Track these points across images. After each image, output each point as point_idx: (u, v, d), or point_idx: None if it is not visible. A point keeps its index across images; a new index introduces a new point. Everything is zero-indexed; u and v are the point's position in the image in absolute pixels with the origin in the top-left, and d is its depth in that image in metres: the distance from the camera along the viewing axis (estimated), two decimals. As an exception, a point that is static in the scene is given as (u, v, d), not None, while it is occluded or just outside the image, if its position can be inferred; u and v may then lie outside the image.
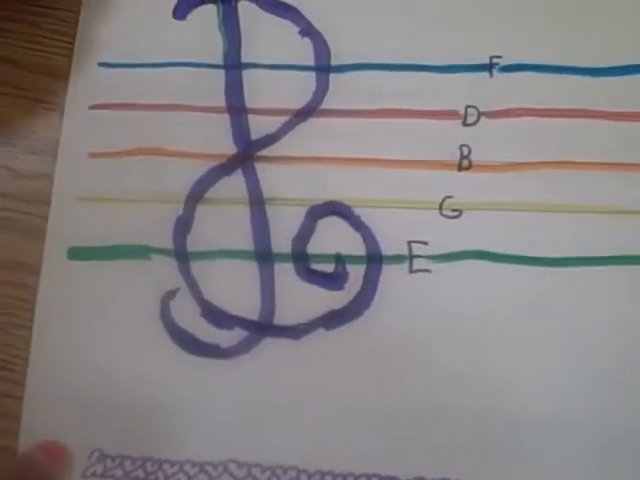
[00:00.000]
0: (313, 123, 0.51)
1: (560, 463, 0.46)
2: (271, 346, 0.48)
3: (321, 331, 0.48)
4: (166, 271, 0.49)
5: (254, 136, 0.51)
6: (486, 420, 0.46)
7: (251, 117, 0.52)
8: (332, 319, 0.48)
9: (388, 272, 0.48)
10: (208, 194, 0.50)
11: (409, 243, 0.49)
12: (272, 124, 0.51)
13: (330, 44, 0.52)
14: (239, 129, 0.51)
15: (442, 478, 0.46)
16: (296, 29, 0.53)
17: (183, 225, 0.50)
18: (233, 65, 0.52)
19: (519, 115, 0.50)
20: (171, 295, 0.49)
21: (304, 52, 0.52)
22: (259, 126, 0.51)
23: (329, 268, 0.49)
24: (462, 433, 0.46)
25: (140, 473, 0.46)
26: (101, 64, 0.53)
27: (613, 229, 0.48)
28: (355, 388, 0.47)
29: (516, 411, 0.46)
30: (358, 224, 0.49)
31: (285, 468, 0.46)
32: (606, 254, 0.48)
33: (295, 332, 0.48)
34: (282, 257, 0.49)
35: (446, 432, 0.46)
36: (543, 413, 0.46)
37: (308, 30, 0.53)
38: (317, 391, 0.47)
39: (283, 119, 0.51)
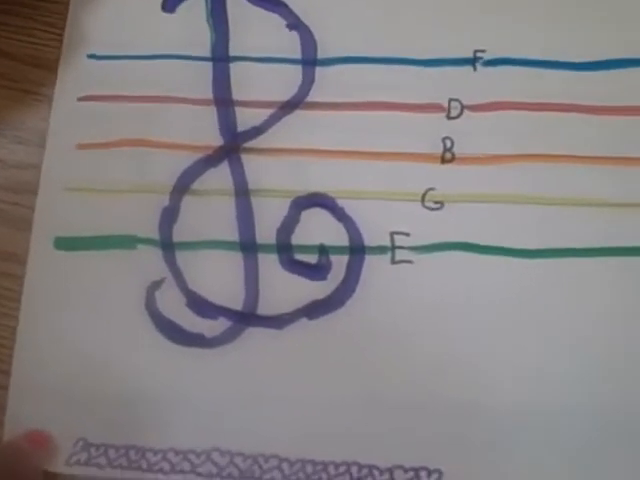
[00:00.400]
0: (299, 115, 0.51)
1: (539, 454, 0.46)
2: (255, 336, 0.48)
3: (304, 321, 0.48)
4: (152, 261, 0.50)
5: (240, 128, 0.52)
6: (466, 410, 0.47)
7: (238, 109, 0.52)
8: (315, 309, 0.48)
9: (370, 263, 0.49)
10: (194, 185, 0.51)
11: (391, 234, 0.49)
12: (259, 116, 0.52)
13: (317, 37, 0.53)
14: (226, 121, 0.52)
15: (421, 466, 0.46)
16: (284, 22, 0.53)
17: (169, 216, 0.50)
18: (221, 58, 0.53)
19: (502, 109, 0.50)
20: (156, 285, 0.49)
21: (291, 45, 0.53)
22: (246, 118, 0.52)
23: (313, 259, 0.49)
24: (442, 422, 0.47)
25: (123, 461, 0.47)
26: (90, 56, 0.53)
27: (595, 221, 0.48)
28: (337, 378, 0.47)
29: (496, 402, 0.47)
30: (341, 215, 0.50)
31: (267, 457, 0.46)
32: (588, 246, 0.48)
33: (278, 322, 0.48)
34: (266, 248, 0.50)
35: (426, 421, 0.47)
36: (524, 404, 0.47)
37: (295, 23, 0.53)
38: (299, 380, 0.47)
39: (269, 111, 0.52)
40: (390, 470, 0.46)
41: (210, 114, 0.52)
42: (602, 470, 0.46)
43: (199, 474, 0.47)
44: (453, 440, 0.46)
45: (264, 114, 0.52)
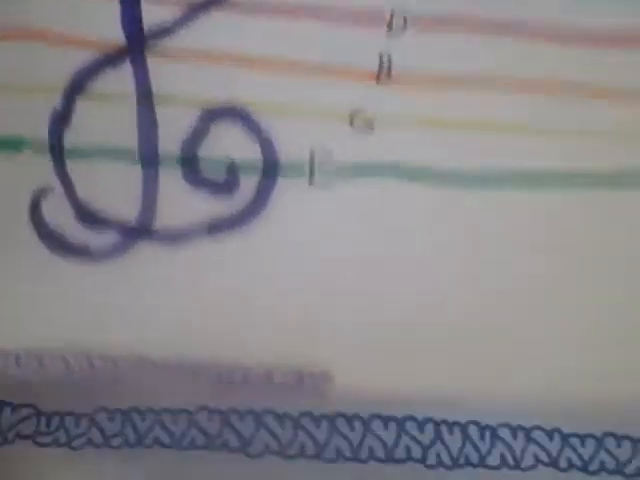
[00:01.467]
0: (216, 16, 0.47)
1: None
2: (147, 250, 0.46)
3: (203, 237, 0.47)
4: (39, 167, 0.47)
5: (147, 26, 0.47)
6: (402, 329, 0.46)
7: (145, 5, 0.48)
8: (217, 226, 0.46)
9: (284, 183, 0.47)
10: (90, 87, 0.47)
11: (312, 155, 0.47)
12: (169, 14, 0.47)
13: None
14: (131, 17, 0.47)
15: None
16: None
17: (60, 119, 0.47)
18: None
19: (448, 28, 0.47)
20: (42, 193, 0.47)
21: None
22: (154, 15, 0.47)
23: (220, 174, 0.47)
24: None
25: None
26: None
27: (535, 149, 0.46)
28: (234, 294, 0.46)
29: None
30: (257, 130, 0.47)
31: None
32: (526, 174, 0.47)
33: (174, 237, 0.46)
34: (169, 160, 0.47)
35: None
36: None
37: None
38: (191, 294, 0.46)
39: (182, 9, 0.47)
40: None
41: (112, 7, 0.47)
42: None
43: None
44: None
45: (175, 12, 0.47)
